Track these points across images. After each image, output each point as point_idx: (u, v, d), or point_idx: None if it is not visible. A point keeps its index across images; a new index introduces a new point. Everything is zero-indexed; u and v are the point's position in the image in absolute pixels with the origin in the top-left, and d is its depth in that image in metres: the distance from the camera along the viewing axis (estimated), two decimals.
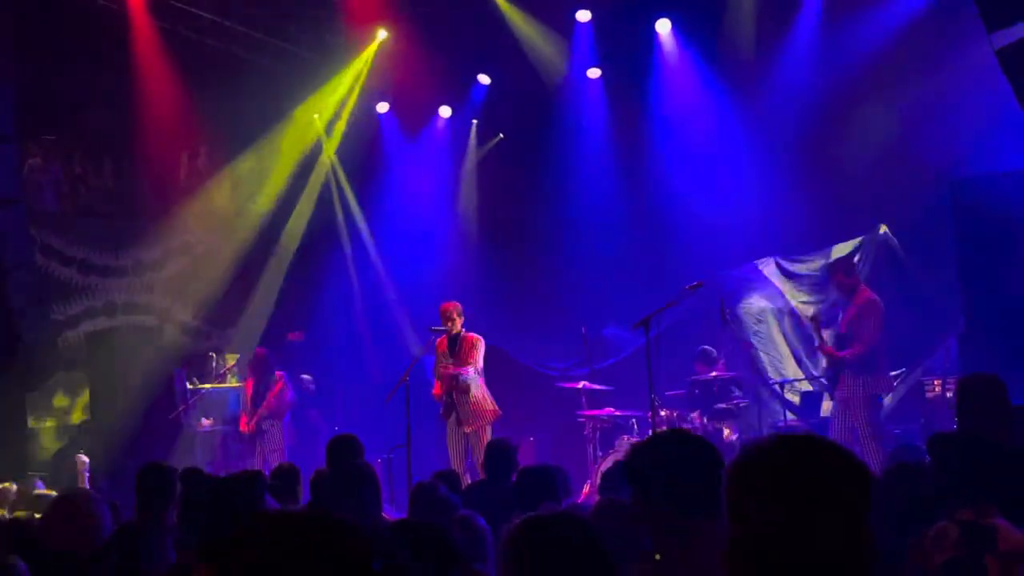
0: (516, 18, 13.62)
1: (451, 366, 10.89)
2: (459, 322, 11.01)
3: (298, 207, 15.11)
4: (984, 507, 4.06)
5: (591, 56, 14.12)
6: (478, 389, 10.97)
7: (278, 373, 12.62)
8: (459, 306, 11.12)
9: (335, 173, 15.51)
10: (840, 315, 10.07)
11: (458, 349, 11.00)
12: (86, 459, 10.13)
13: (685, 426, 11.06)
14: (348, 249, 15.49)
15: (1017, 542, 3.81)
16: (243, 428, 12.50)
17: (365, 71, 14.55)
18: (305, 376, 14.05)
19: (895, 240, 12.20)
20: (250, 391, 12.56)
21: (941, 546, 4.00)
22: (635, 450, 3.71)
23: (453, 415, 10.94)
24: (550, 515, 3.32)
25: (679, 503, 3.45)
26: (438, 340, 11.21)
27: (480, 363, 10.98)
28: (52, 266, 13.47)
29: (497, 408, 11.03)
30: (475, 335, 11.12)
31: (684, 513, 3.42)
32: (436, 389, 11.13)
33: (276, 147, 14.96)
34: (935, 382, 10.19)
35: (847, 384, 9.37)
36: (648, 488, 3.56)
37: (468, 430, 10.82)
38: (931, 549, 4.02)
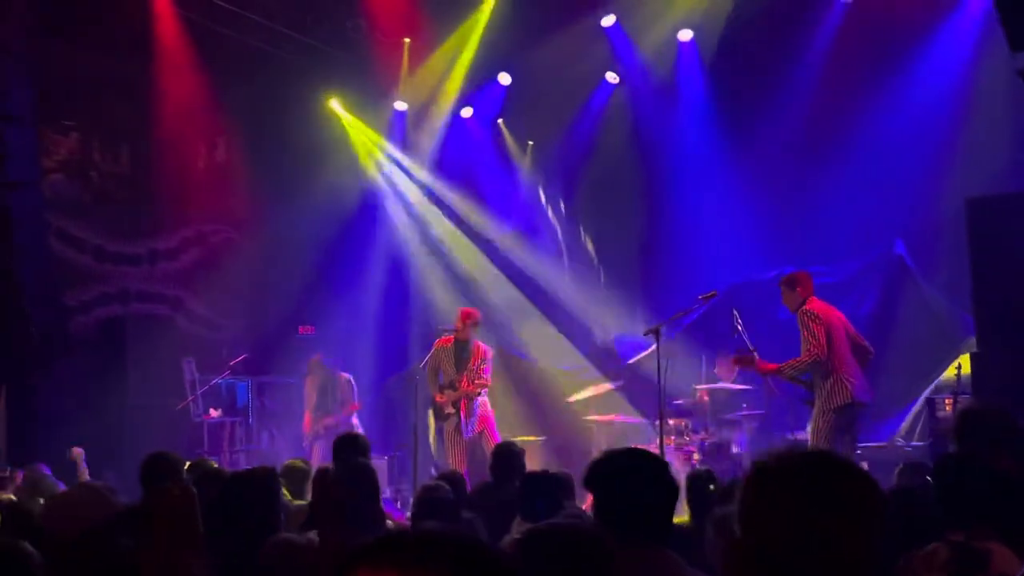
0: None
1: (466, 381, 10.88)
2: (471, 331, 10.99)
3: (313, 202, 15.09)
4: (980, 530, 4.04)
5: (612, 60, 14.11)
6: (484, 397, 11.10)
7: (344, 375, 12.63)
8: (478, 315, 11.12)
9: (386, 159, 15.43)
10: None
11: (468, 359, 10.98)
12: (81, 450, 10.13)
13: (693, 436, 11.04)
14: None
15: (1013, 568, 3.78)
16: (306, 428, 12.54)
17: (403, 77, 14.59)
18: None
19: (908, 256, 12.16)
20: (311, 393, 12.56)
21: (929, 566, 3.98)
22: (590, 468, 3.68)
23: (454, 422, 10.93)
24: (557, 525, 3.31)
25: (622, 528, 3.42)
26: (443, 338, 11.19)
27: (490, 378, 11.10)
28: (66, 252, 13.50)
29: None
30: (486, 347, 11.13)
31: (626, 539, 3.38)
32: (441, 398, 11.10)
33: (296, 140, 14.95)
34: (946, 400, 10.12)
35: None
36: (600, 508, 3.55)
37: (478, 431, 10.85)
38: (919, 568, 4.00)
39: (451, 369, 11.00)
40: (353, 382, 12.62)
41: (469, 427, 10.88)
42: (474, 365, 10.95)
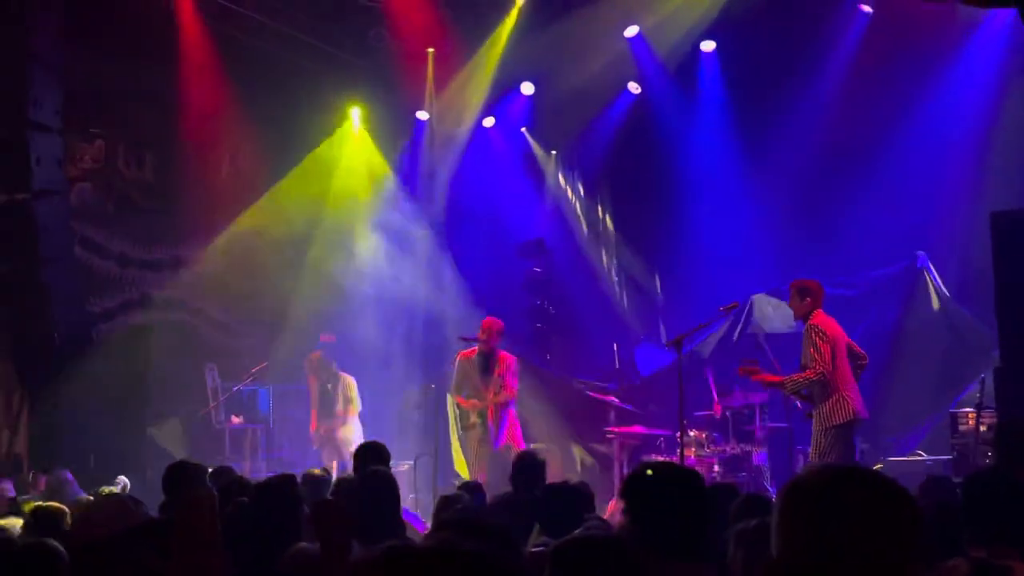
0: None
1: (492, 392, 10.85)
2: (496, 341, 10.94)
3: (334, 211, 15.13)
4: (1003, 548, 4.02)
5: (634, 70, 14.12)
6: (512, 407, 11.03)
7: (346, 376, 12.69)
8: (501, 325, 11.04)
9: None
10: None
11: (493, 369, 10.92)
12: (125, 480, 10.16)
13: (714, 448, 11.00)
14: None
15: None
16: (312, 429, 12.61)
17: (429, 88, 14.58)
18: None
19: (934, 269, 12.11)
20: (314, 392, 12.65)
21: None
22: (629, 479, 3.67)
23: (479, 432, 10.88)
24: (591, 536, 3.32)
25: (658, 542, 3.40)
26: (466, 350, 11.16)
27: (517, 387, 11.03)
28: (91, 259, 13.57)
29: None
30: (512, 357, 11.07)
31: (662, 553, 3.36)
32: (466, 403, 11.04)
33: (319, 148, 14.99)
34: (968, 414, 10.07)
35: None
36: (634, 522, 3.54)
37: (504, 444, 10.79)
38: None
39: (477, 380, 10.93)
40: (354, 384, 12.65)
41: (498, 438, 10.82)
42: (499, 375, 10.89)
